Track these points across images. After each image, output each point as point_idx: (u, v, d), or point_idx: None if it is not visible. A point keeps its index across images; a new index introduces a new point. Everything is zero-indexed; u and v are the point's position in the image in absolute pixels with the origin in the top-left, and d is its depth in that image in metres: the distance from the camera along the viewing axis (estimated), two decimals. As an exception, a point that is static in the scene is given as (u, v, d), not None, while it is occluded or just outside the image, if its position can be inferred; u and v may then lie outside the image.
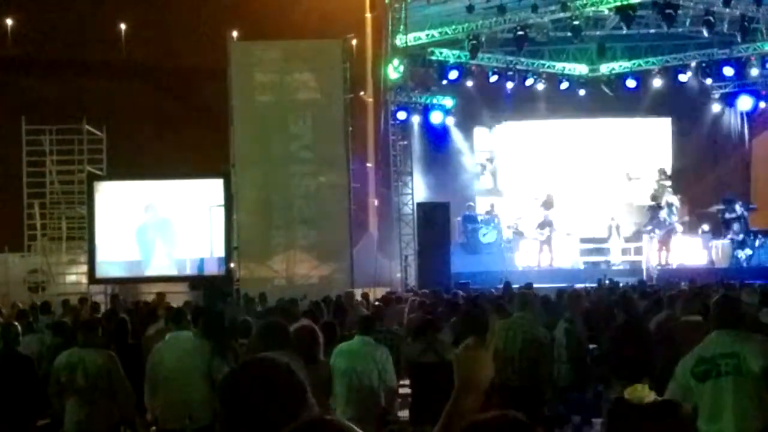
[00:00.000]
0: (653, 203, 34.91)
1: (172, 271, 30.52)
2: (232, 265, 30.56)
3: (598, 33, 36.55)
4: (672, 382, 8.18)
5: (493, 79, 36.89)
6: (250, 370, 4.36)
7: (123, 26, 52.74)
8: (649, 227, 34.47)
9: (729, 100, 38.80)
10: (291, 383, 4.28)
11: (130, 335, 13.89)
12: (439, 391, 10.59)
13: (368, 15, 41.56)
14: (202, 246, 30.49)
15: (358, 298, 22.84)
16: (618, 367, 13.70)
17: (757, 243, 34.28)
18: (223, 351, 11.18)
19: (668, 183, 36.89)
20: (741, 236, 34.06)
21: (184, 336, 11.34)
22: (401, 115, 36.05)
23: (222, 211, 30.25)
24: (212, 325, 11.35)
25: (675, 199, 35.27)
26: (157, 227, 30.52)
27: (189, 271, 30.57)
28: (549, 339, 13.13)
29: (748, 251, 34.13)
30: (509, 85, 37.28)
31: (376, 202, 40.43)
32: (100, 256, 30.41)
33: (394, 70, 34.77)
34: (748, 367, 7.83)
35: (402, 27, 33.62)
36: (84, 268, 31.39)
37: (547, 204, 35.11)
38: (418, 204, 34.05)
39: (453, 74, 36.24)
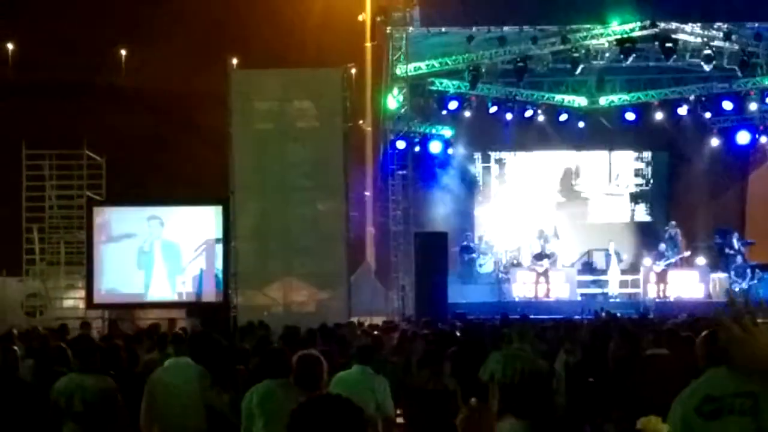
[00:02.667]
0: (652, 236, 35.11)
1: (171, 298, 30.60)
2: (229, 292, 30.55)
3: (597, 65, 36.61)
4: (669, 421, 8.12)
5: (493, 109, 36.96)
6: (319, 406, 4.38)
7: (124, 52, 52.84)
8: (648, 259, 34.55)
9: (728, 134, 38.82)
10: (357, 422, 4.32)
11: (125, 361, 13.84)
12: (437, 419, 10.58)
13: (368, 44, 41.59)
14: (200, 276, 30.57)
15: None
16: (617, 399, 13.72)
17: (754, 277, 34.37)
18: (222, 379, 11.20)
19: (667, 216, 37.12)
20: (739, 270, 34.18)
21: (183, 362, 11.34)
22: (400, 145, 36.02)
23: (220, 243, 30.35)
24: (210, 352, 11.36)
25: (676, 232, 35.35)
26: (159, 246, 30.58)
27: (186, 297, 30.63)
28: (548, 370, 13.14)
29: (745, 285, 34.20)
30: (508, 116, 37.35)
31: (373, 231, 40.42)
32: (98, 281, 30.46)
33: (393, 100, 34.83)
34: (764, 413, 7.77)
35: (402, 56, 33.70)
36: (82, 293, 31.41)
37: (546, 236, 35.22)
38: (416, 233, 34.03)
39: (452, 104, 36.33)
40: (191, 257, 30.48)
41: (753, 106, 36.93)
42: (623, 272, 35.64)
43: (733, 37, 32.83)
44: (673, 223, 36.29)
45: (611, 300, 34.33)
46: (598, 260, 36.47)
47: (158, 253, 30.64)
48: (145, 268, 30.59)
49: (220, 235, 30.47)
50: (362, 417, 4.49)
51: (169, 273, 30.67)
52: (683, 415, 8.01)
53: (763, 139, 38.52)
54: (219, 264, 30.49)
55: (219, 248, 30.43)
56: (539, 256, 34.56)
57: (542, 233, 35.44)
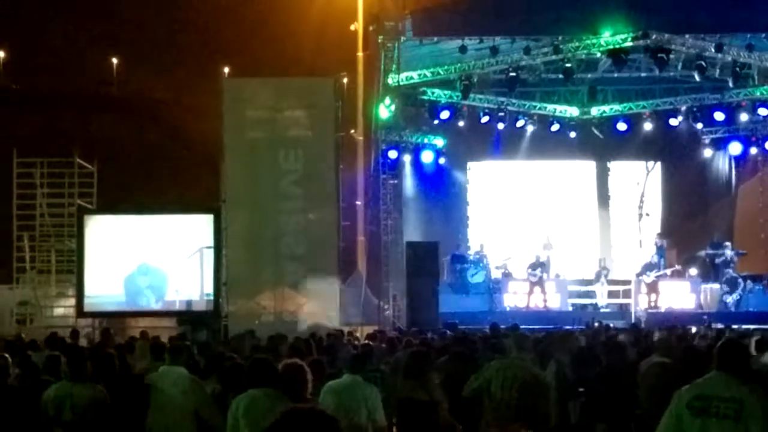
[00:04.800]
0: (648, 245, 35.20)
1: (162, 306, 30.61)
2: (220, 300, 30.50)
3: (589, 76, 36.67)
4: (667, 410, 8.30)
5: (485, 119, 36.96)
6: (298, 418, 4.37)
7: (115, 61, 52.85)
8: (640, 270, 34.55)
9: (719, 145, 38.92)
10: None
11: (118, 369, 13.78)
12: (423, 428, 10.55)
13: (360, 54, 41.63)
14: (191, 286, 30.53)
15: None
16: (599, 409, 13.72)
17: (745, 288, 34.39)
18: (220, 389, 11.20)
19: (658, 227, 37.17)
20: (730, 281, 34.23)
21: (176, 371, 11.30)
22: (392, 154, 36.08)
23: (211, 251, 30.31)
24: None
25: (664, 243, 35.36)
26: (147, 280, 30.58)
27: (177, 306, 30.58)
28: (546, 380, 13.10)
29: (736, 296, 34.23)
30: (500, 125, 37.38)
31: (364, 240, 40.40)
32: (89, 289, 30.39)
33: (385, 109, 34.75)
34: (748, 420, 7.92)
35: (394, 66, 33.65)
36: (72, 301, 31.34)
37: (546, 246, 35.26)
38: (407, 243, 34.08)
39: (444, 114, 36.27)
40: (182, 270, 30.42)
41: (744, 117, 36.98)
42: (615, 282, 35.69)
43: (725, 48, 32.82)
44: (659, 233, 36.36)
45: (602, 310, 34.34)
46: (589, 270, 36.47)
47: (150, 281, 30.68)
48: (135, 289, 30.59)
49: (211, 243, 30.41)
50: (339, 430, 4.49)
51: (159, 293, 30.70)
52: (678, 405, 8.27)
53: (753, 150, 38.59)
54: (210, 272, 30.43)
55: (210, 256, 30.37)
56: (534, 266, 34.56)
57: (544, 244, 35.53)
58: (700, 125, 38.04)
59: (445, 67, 34.83)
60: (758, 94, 36.12)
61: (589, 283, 35.98)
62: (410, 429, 11.53)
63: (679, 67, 34.62)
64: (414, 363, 12.10)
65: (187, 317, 30.01)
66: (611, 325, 26.86)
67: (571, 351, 15.79)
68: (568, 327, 25.91)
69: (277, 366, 9.64)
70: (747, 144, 38.46)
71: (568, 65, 33.98)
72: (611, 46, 33.23)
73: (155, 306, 30.65)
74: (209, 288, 30.53)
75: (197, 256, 30.33)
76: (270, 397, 9.23)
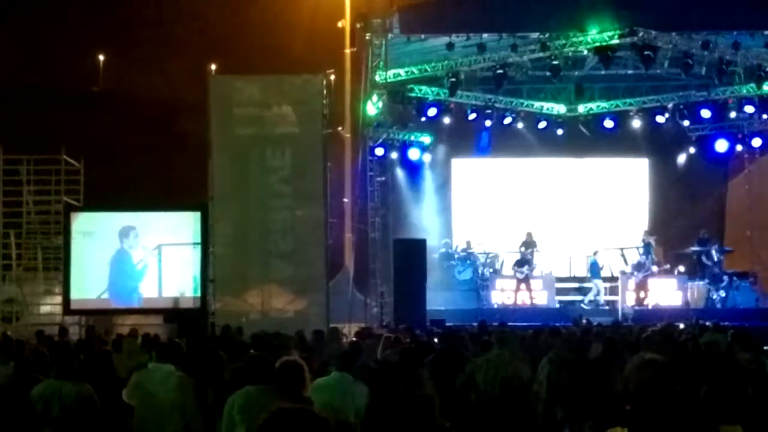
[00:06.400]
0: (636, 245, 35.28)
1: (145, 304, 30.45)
2: (207, 298, 30.39)
3: (576, 73, 36.67)
4: None
5: (472, 116, 36.97)
6: (287, 418, 4.36)
7: (102, 57, 52.67)
8: (627, 267, 34.62)
9: (706, 142, 38.97)
10: None
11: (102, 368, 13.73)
12: (418, 427, 10.50)
13: (348, 51, 41.58)
14: (177, 282, 30.37)
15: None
16: (588, 406, 13.71)
17: (732, 285, 34.48)
18: (202, 387, 11.16)
19: (645, 224, 37.22)
20: (716, 278, 34.33)
21: (165, 369, 11.28)
22: (379, 151, 36.05)
23: (198, 248, 30.14)
24: (194, 359, 11.31)
25: (652, 240, 35.42)
26: (132, 257, 30.36)
27: (163, 303, 30.43)
28: (530, 376, 13.09)
29: (723, 293, 34.33)
30: (487, 123, 37.38)
31: (352, 238, 40.36)
32: (75, 287, 30.26)
33: (372, 106, 34.76)
34: None
35: (382, 63, 33.62)
36: (59, 298, 31.22)
37: (528, 243, 35.23)
38: (395, 240, 34.05)
39: (432, 111, 36.25)
40: (169, 265, 30.24)
41: (731, 115, 37.07)
42: (602, 279, 35.73)
43: (711, 46, 32.87)
44: (647, 230, 36.44)
45: (588, 307, 34.36)
46: (576, 267, 36.50)
47: (133, 260, 30.48)
48: (119, 273, 30.39)
49: (198, 240, 30.25)
50: (329, 430, 4.48)
51: (144, 281, 30.51)
52: None
53: (740, 147, 38.70)
54: (197, 270, 30.29)
55: (197, 254, 30.23)
56: (520, 263, 34.57)
57: (525, 241, 35.49)
58: (686, 122, 38.13)
59: (433, 64, 34.82)
60: (744, 91, 36.13)
61: (576, 280, 36.02)
62: (405, 428, 11.48)
63: (666, 65, 34.65)
64: (404, 360, 12.10)
65: (173, 315, 29.83)
66: (594, 322, 26.85)
67: (561, 348, 15.78)
68: (556, 324, 25.92)
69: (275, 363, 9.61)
70: (733, 141, 38.57)
71: (555, 62, 33.99)
72: (598, 44, 33.23)
73: (141, 292, 30.45)
74: (196, 287, 30.27)
75: (183, 252, 30.16)
76: (266, 394, 9.20)
